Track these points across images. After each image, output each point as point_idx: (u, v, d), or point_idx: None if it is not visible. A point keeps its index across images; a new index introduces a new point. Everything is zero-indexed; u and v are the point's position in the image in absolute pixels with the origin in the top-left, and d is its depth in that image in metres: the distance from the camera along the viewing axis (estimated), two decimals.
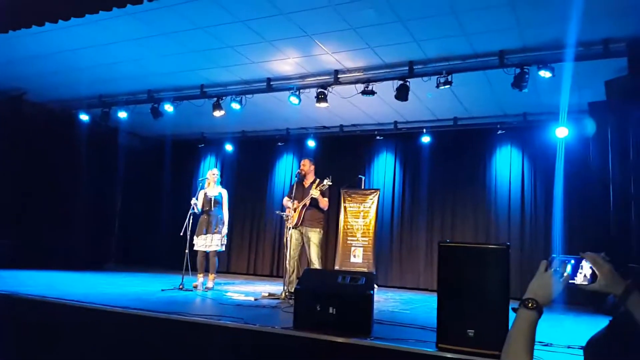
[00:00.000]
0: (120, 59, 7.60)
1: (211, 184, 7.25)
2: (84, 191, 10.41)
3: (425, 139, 9.58)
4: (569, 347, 3.68)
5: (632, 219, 5.65)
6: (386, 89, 7.44)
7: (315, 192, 6.46)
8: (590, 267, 1.54)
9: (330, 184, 6.55)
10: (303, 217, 6.56)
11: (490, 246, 3.41)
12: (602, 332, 1.61)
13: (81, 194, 10.36)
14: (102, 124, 9.96)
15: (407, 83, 7.16)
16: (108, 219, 11.44)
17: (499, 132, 9.10)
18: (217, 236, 6.96)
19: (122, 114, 9.41)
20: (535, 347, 3.65)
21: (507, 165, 9.32)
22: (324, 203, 6.59)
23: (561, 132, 7.91)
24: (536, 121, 8.80)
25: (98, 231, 10.90)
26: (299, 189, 6.75)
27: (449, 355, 3.19)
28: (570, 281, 1.55)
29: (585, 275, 1.55)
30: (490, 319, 3.18)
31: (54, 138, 9.89)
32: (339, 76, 7.58)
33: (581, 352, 3.59)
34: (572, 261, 1.56)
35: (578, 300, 7.39)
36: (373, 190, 9.58)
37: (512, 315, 3.29)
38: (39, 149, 9.62)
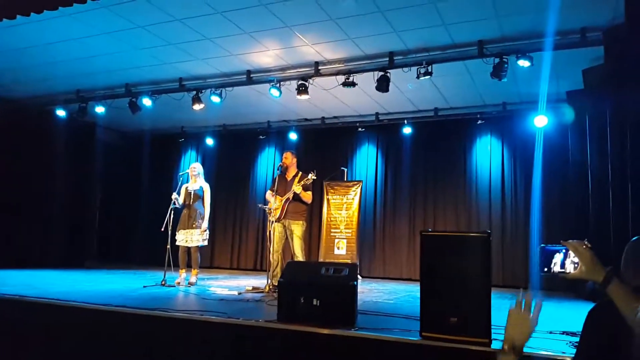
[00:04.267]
0: (96, 53, 7.44)
1: (193, 178, 7.17)
2: (62, 188, 10.22)
3: (407, 130, 9.61)
4: (550, 332, 3.73)
5: (610, 206, 5.74)
6: (367, 81, 7.43)
7: (297, 188, 6.43)
8: (575, 257, 1.55)
9: (315, 177, 6.53)
10: (286, 211, 6.54)
11: (471, 234, 3.44)
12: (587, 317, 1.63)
13: (59, 191, 10.18)
14: (80, 120, 9.78)
15: (388, 74, 7.15)
16: (87, 215, 11.26)
17: (479, 122, 9.17)
18: (196, 231, 6.89)
19: (100, 109, 9.22)
20: None
21: (487, 155, 9.41)
22: (307, 197, 6.57)
23: (540, 121, 7.99)
24: (515, 110, 8.88)
25: (77, 228, 10.73)
26: (281, 182, 6.72)
27: (433, 343, 3.20)
28: (560, 270, 1.57)
29: (572, 265, 1.57)
30: (473, 307, 3.21)
31: (30, 134, 9.66)
32: (319, 68, 7.54)
33: (563, 337, 3.63)
34: (563, 251, 1.58)
35: (559, 286, 7.52)
36: (356, 182, 9.59)
37: (494, 302, 3.31)
38: (15, 146, 9.40)
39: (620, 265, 1.64)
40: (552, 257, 1.67)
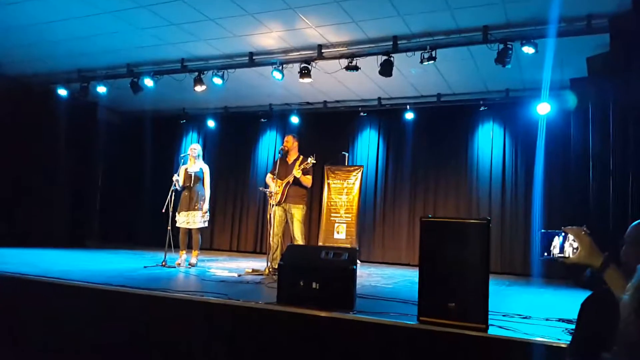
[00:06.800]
0: (97, 32, 7.40)
1: (192, 160, 7.16)
2: (63, 167, 10.23)
3: (409, 116, 9.58)
4: (547, 319, 3.76)
5: (611, 193, 5.74)
6: (370, 65, 7.38)
7: (297, 173, 6.42)
8: (573, 241, 1.60)
9: (315, 162, 6.51)
10: (286, 194, 6.54)
11: (470, 221, 3.43)
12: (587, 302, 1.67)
13: (61, 170, 10.19)
14: (81, 99, 9.74)
15: (391, 58, 7.10)
16: (88, 195, 11.30)
17: (482, 108, 9.13)
18: (198, 213, 6.91)
19: (102, 89, 9.18)
20: (514, 319, 3.70)
21: (489, 142, 9.38)
22: (306, 181, 6.56)
23: (543, 108, 7.96)
24: (518, 97, 8.84)
25: (78, 208, 10.77)
26: (282, 165, 6.71)
27: (430, 327, 3.23)
28: (559, 254, 1.61)
29: (571, 248, 1.61)
30: (471, 292, 3.23)
31: (31, 113, 9.64)
32: (322, 51, 7.49)
33: (559, 324, 3.65)
34: (561, 235, 1.64)
35: (557, 274, 7.56)
36: (356, 167, 9.59)
37: (491, 289, 3.34)
38: (16, 124, 9.38)
39: (619, 249, 1.69)
40: (552, 241, 1.72)
